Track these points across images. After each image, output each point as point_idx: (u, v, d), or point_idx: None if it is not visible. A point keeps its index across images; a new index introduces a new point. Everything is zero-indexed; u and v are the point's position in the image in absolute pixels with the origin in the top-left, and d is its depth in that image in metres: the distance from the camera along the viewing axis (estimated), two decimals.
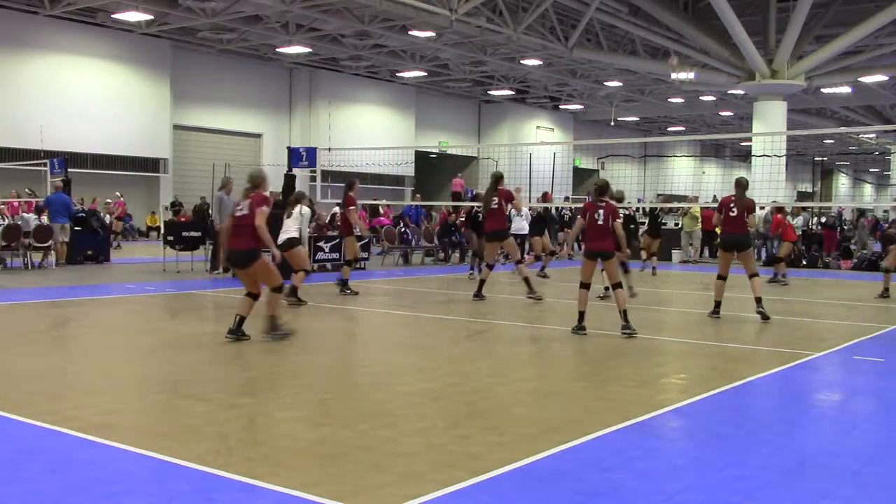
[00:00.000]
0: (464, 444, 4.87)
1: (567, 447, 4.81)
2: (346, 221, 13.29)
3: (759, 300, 10.54)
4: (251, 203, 8.13)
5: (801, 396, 6.70)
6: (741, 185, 10.77)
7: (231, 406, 5.67)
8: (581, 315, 9.27)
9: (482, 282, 12.40)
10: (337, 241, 17.55)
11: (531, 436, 5.06)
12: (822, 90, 37.08)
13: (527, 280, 12.32)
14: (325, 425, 5.27)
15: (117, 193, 28.00)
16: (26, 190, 22.96)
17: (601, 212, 9.22)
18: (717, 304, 10.80)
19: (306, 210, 11.43)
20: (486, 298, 12.26)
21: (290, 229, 11.24)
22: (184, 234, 16.68)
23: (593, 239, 9.30)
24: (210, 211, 16.52)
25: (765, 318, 10.40)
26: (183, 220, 23.09)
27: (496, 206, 12.06)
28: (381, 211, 26.29)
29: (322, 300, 11.52)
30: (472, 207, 19.30)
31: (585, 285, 9.35)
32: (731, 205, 10.58)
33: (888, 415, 6.07)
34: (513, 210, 21.39)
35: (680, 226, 24.46)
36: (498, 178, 12.28)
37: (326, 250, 17.44)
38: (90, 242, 18.63)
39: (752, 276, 10.67)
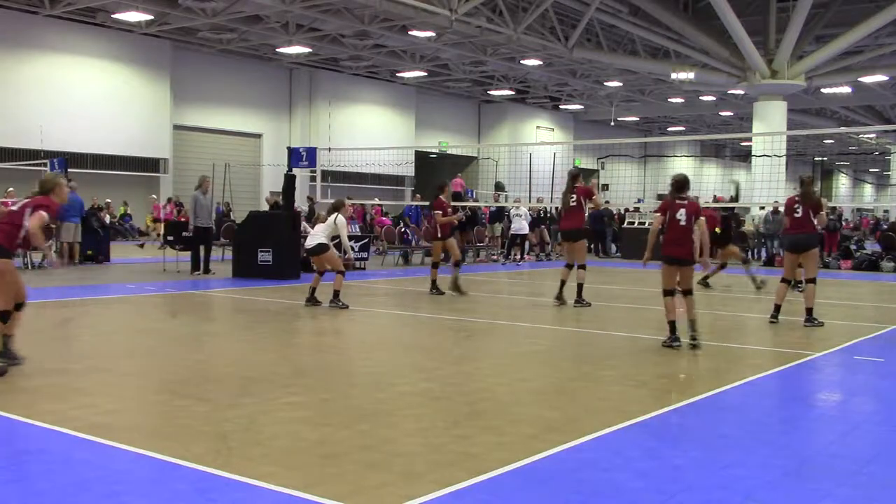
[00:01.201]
0: (463, 444, 4.87)
1: (567, 447, 4.81)
2: (438, 225, 13.20)
3: (809, 311, 9.97)
4: (27, 202, 6.75)
5: (801, 396, 6.70)
6: (804, 182, 10.25)
7: (231, 406, 5.67)
8: (672, 325, 8.30)
9: (563, 282, 11.99)
10: (365, 240, 17.90)
11: (531, 436, 5.05)
12: (822, 90, 37.09)
13: (580, 286, 11.84)
14: (325, 425, 5.27)
15: (153, 196, 28.05)
16: (9, 189, 22.93)
17: (683, 211, 8.27)
18: (777, 308, 10.21)
19: (342, 220, 11.19)
20: (565, 303, 11.83)
21: (318, 234, 11.24)
22: (184, 234, 16.67)
23: (672, 243, 8.29)
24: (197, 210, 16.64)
25: (818, 323, 9.93)
26: (183, 220, 23.13)
27: (575, 204, 11.85)
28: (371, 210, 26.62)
29: (323, 299, 11.48)
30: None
31: (669, 292, 8.35)
32: (796, 205, 10.09)
33: (888, 415, 6.07)
34: (515, 212, 21.51)
35: None
36: (575, 176, 12.06)
37: (356, 249, 17.81)
38: (90, 242, 18.63)
39: (809, 281, 10.04)
